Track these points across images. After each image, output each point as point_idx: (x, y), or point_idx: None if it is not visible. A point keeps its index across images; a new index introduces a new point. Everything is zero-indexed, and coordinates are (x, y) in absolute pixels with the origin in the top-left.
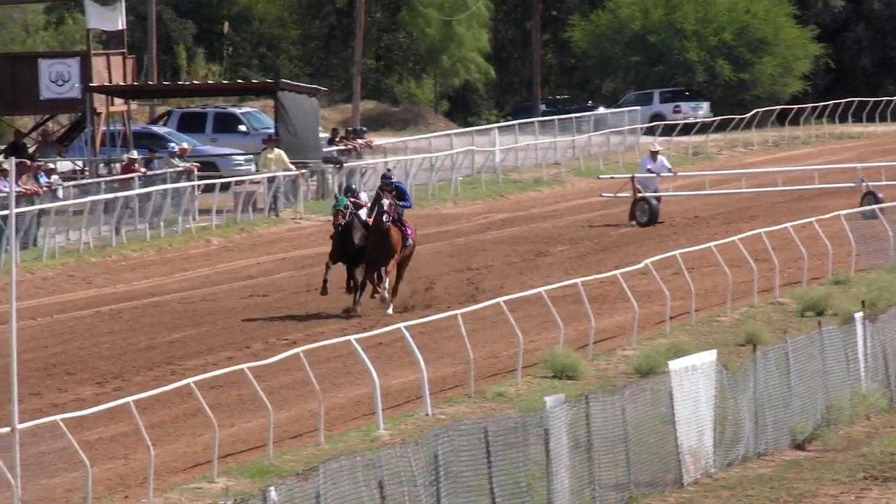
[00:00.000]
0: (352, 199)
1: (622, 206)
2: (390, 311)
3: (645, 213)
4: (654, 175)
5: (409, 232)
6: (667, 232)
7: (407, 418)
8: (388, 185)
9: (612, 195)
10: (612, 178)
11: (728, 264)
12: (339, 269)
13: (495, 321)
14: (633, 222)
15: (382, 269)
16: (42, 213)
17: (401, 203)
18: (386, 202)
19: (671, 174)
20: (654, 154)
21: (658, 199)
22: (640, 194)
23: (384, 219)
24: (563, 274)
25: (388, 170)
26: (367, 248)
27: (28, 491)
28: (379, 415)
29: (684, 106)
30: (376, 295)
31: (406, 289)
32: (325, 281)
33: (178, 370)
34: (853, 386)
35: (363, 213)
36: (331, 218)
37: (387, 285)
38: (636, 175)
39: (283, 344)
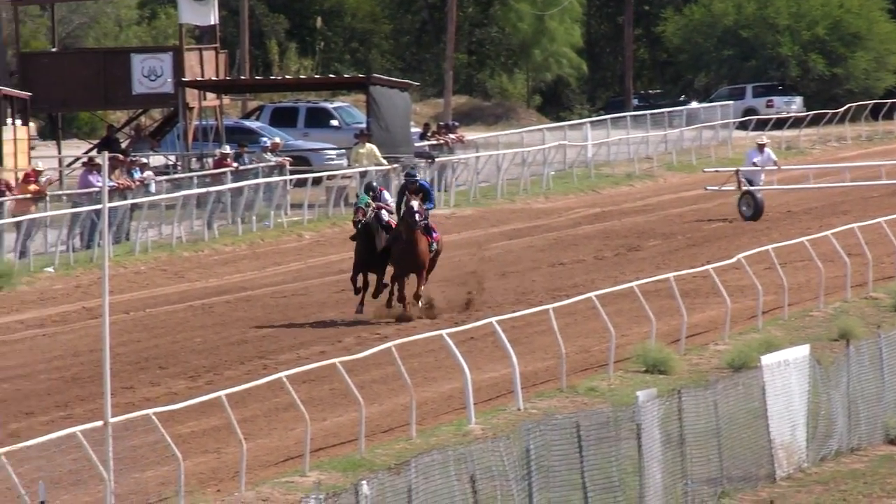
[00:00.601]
0: (376, 206)
1: (716, 201)
2: (418, 309)
3: (750, 207)
4: (758, 169)
5: (435, 235)
6: (760, 226)
7: (499, 413)
8: (413, 184)
9: (716, 188)
10: (716, 171)
11: (821, 259)
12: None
13: (587, 315)
14: (741, 216)
15: (420, 286)
16: (135, 207)
17: (426, 206)
18: (415, 203)
19: (776, 168)
20: (760, 147)
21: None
22: (745, 188)
23: (416, 219)
24: (655, 268)
25: (413, 167)
26: (392, 253)
27: (120, 484)
28: (470, 409)
29: (777, 100)
30: (408, 304)
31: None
32: (356, 289)
33: (270, 364)
34: None
35: (385, 214)
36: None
37: (416, 304)
38: (741, 168)
39: (375, 338)
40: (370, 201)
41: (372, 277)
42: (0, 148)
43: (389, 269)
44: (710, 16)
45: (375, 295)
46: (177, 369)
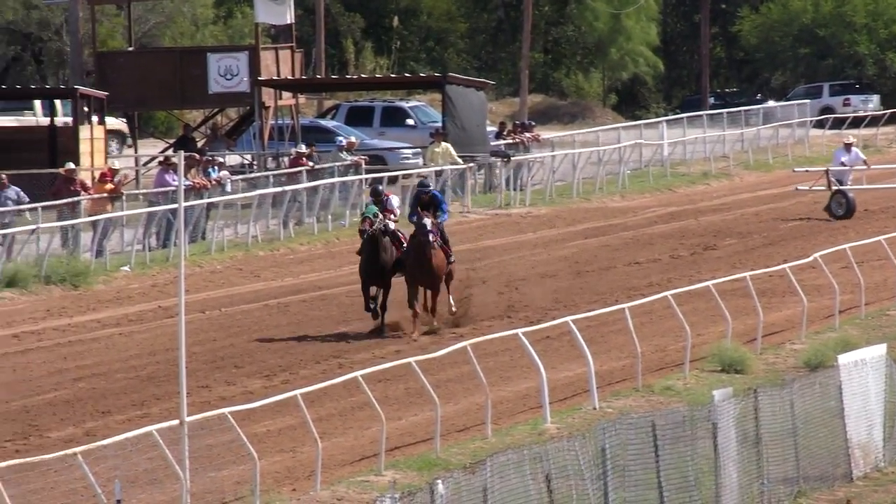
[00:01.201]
0: (382, 218)
1: (793, 200)
2: (436, 325)
3: (841, 206)
4: (847, 168)
5: (449, 250)
6: (836, 225)
7: (574, 412)
8: (426, 195)
9: (807, 188)
10: (806, 171)
11: None
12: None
13: (663, 315)
14: (830, 215)
15: (432, 300)
16: (211, 206)
17: (440, 218)
18: (428, 222)
19: (865, 167)
20: (847, 146)
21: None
22: (835, 187)
23: (430, 238)
24: (731, 268)
25: (425, 178)
26: (406, 267)
27: (196, 483)
28: (546, 408)
29: (854, 99)
30: (426, 323)
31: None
32: (367, 304)
33: (346, 363)
34: None
35: (391, 224)
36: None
37: (435, 322)
38: (830, 167)
39: (451, 337)
40: (378, 211)
41: (378, 295)
42: (77, 147)
43: (396, 280)
44: (786, 14)
45: (383, 308)
46: (252, 368)
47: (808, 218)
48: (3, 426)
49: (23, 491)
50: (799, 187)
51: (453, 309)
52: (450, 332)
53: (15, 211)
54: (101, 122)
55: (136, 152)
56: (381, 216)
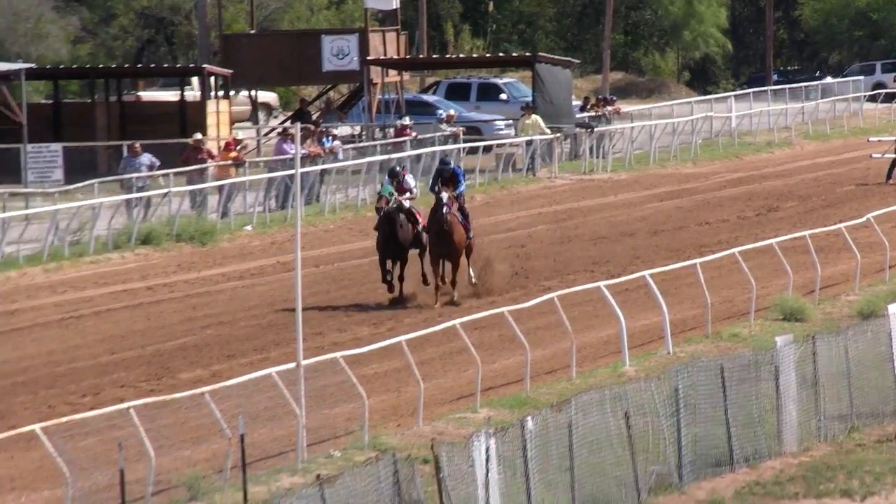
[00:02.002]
0: (398, 197)
1: (849, 166)
2: (456, 297)
3: None
4: None
5: (468, 224)
6: (889, 189)
7: (650, 356)
8: (447, 170)
9: (880, 156)
10: (879, 140)
11: None
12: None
13: (730, 269)
14: (891, 181)
15: (453, 274)
16: (324, 172)
17: (458, 191)
18: (444, 195)
19: None
20: None
21: None
22: None
23: (444, 211)
24: (792, 227)
25: (446, 154)
26: (429, 241)
27: (311, 419)
28: (625, 353)
29: None
30: (446, 293)
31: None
32: (385, 278)
33: (446, 312)
34: None
35: (407, 202)
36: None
37: (452, 290)
38: None
39: (539, 289)
40: (393, 190)
41: (396, 270)
42: (204, 120)
43: (412, 255)
44: (844, 2)
45: (401, 279)
46: (362, 317)
47: (863, 183)
48: (139, 368)
49: (156, 426)
50: (874, 155)
51: (473, 280)
52: (538, 284)
53: (149, 176)
54: (227, 97)
55: (256, 124)
56: (395, 194)
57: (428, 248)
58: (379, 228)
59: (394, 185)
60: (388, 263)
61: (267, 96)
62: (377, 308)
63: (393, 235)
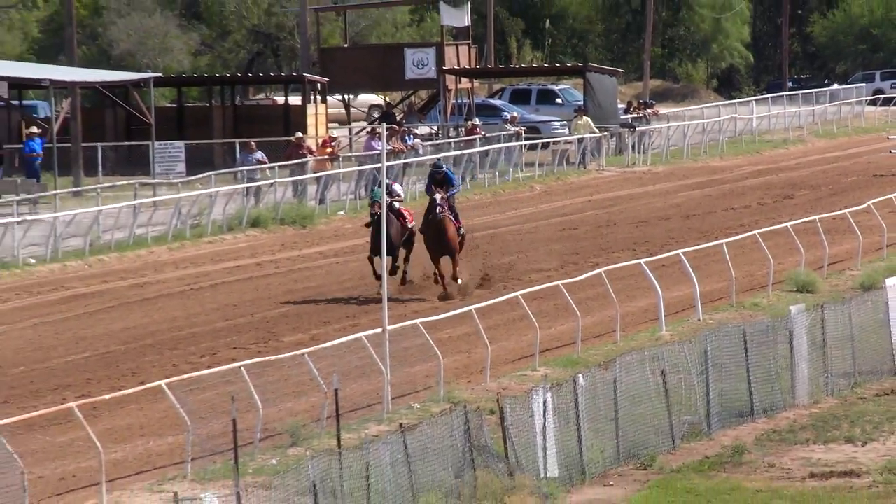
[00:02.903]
0: (390, 201)
1: (853, 160)
2: (453, 291)
3: None
4: None
5: (459, 223)
6: (887, 181)
7: (683, 322)
8: (439, 173)
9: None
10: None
11: None
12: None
13: (752, 248)
14: None
15: (452, 269)
16: (406, 166)
17: (451, 192)
18: (438, 196)
19: None
20: None
21: None
22: None
23: (438, 211)
24: (804, 212)
25: (439, 159)
26: (425, 240)
27: (395, 376)
28: (661, 320)
29: None
30: (445, 286)
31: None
32: (374, 273)
33: (509, 285)
34: None
35: (396, 204)
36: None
37: (456, 283)
38: None
39: (589, 266)
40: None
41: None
42: (305, 121)
43: (401, 253)
44: (848, 18)
45: (392, 273)
46: (439, 289)
47: (865, 175)
48: (248, 333)
49: (263, 382)
50: (893, 150)
51: (460, 280)
52: (588, 261)
53: (258, 168)
54: (324, 101)
55: (349, 124)
56: (386, 199)
57: (425, 245)
58: (372, 226)
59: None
60: (378, 262)
61: (374, 98)
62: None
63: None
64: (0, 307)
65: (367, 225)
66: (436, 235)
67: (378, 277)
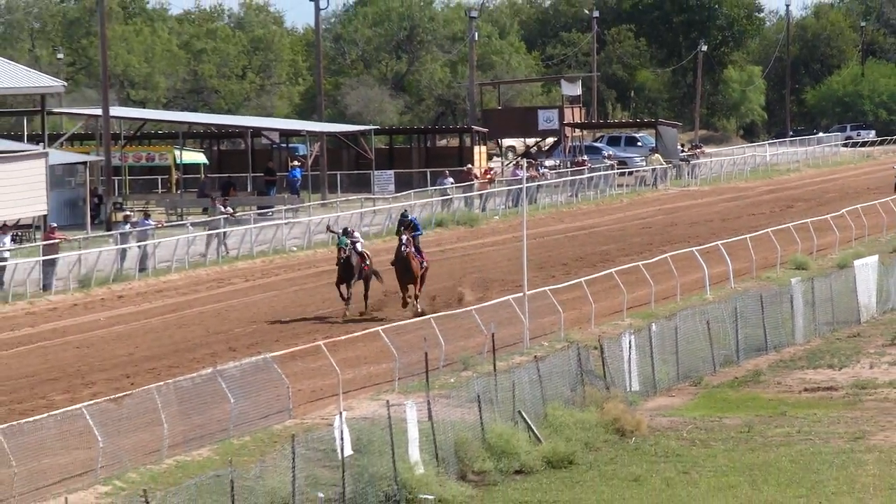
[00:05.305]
0: (351, 244)
1: (837, 182)
2: (419, 309)
3: None
4: None
5: (423, 258)
6: (868, 194)
7: (721, 290)
8: (406, 221)
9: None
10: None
11: None
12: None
13: (766, 241)
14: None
15: (415, 292)
16: (539, 186)
17: (415, 234)
18: (403, 237)
19: None
20: None
21: None
22: None
23: (402, 249)
24: (801, 217)
25: (406, 210)
26: (395, 272)
27: (531, 324)
28: (707, 287)
29: (863, 133)
30: (409, 305)
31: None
32: (341, 296)
33: (606, 267)
34: None
35: (359, 246)
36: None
37: (418, 305)
38: None
39: (659, 252)
40: (348, 242)
41: (345, 292)
42: (472, 157)
43: (358, 284)
44: (829, 90)
45: (348, 299)
46: (554, 270)
47: (844, 192)
48: (441, 296)
49: (445, 328)
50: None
51: (419, 310)
52: (658, 249)
53: (443, 187)
54: (485, 143)
55: (501, 157)
56: (350, 245)
57: (396, 276)
58: (340, 268)
59: (348, 239)
60: (343, 288)
61: (512, 141)
62: (569, 261)
63: (347, 268)
64: (274, 279)
65: (337, 263)
66: (402, 268)
67: (344, 300)
